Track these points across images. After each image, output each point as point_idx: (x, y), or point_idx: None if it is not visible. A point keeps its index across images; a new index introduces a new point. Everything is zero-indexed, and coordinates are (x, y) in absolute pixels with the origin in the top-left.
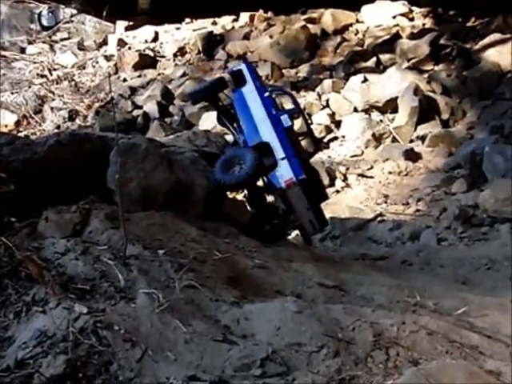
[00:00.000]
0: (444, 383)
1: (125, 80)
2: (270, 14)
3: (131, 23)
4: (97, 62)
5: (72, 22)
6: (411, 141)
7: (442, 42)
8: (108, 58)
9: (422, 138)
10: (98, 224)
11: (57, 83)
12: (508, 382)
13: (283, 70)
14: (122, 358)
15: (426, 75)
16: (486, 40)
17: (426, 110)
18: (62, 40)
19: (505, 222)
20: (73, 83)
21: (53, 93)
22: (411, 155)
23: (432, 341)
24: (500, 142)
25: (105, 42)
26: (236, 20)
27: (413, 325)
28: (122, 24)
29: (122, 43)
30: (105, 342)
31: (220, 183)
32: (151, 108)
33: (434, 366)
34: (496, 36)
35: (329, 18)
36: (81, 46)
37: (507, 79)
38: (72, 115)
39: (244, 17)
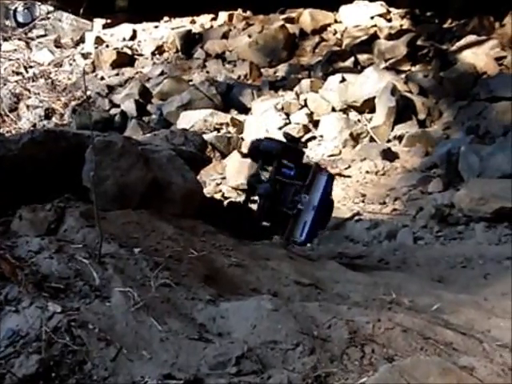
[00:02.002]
0: (418, 379)
1: (102, 78)
2: (248, 13)
3: (109, 21)
4: (74, 60)
5: (48, 18)
6: (388, 140)
7: (419, 42)
8: (85, 56)
9: (399, 138)
10: (73, 222)
11: (33, 81)
12: (481, 377)
13: (262, 70)
14: (96, 357)
15: (403, 75)
16: (462, 41)
17: (403, 110)
18: (38, 37)
19: (480, 221)
20: (49, 81)
21: (29, 90)
22: (388, 155)
23: (407, 338)
24: (475, 142)
25: (82, 40)
26: (215, 19)
27: (388, 322)
28: (99, 22)
29: (99, 41)
30: (79, 341)
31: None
32: (129, 107)
33: (408, 362)
34: (472, 38)
35: (307, 17)
36: (57, 44)
37: (482, 80)
38: (48, 113)
39: (223, 16)
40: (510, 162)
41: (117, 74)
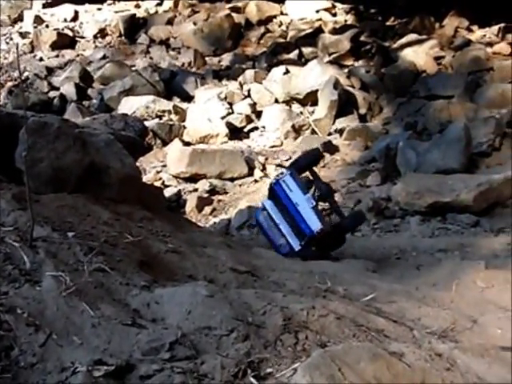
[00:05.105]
0: (349, 364)
1: (41, 59)
2: (194, 0)
3: (49, 0)
4: (11, 39)
5: None
6: (329, 133)
7: (362, 38)
8: (23, 35)
9: (340, 131)
10: (4, 205)
11: None
12: (409, 362)
13: (206, 58)
14: (24, 342)
15: (346, 70)
16: (404, 40)
17: (344, 104)
18: None
19: (415, 215)
20: None
21: None
22: (329, 147)
23: (340, 325)
24: (413, 138)
25: (20, 18)
26: (160, 4)
27: (322, 309)
28: (39, 0)
29: (39, 20)
30: (6, 327)
31: None
32: (69, 90)
33: (340, 348)
34: (413, 36)
35: (253, 8)
36: None
37: (422, 78)
38: None
39: (168, 2)
40: (444, 158)
41: (57, 56)
